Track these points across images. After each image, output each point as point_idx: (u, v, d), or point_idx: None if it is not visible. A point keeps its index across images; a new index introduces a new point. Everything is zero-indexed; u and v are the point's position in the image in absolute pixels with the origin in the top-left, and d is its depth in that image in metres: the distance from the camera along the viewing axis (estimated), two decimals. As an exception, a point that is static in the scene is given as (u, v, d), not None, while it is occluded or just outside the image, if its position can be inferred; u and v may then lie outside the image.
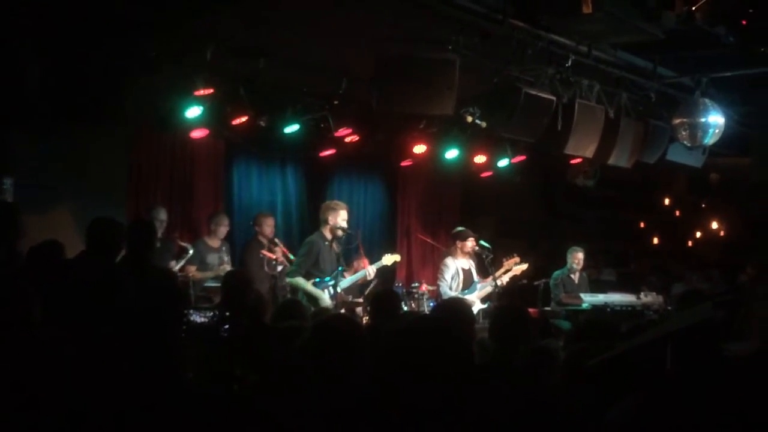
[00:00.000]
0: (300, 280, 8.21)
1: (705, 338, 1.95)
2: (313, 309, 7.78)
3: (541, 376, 3.63)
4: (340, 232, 8.44)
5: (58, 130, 7.85)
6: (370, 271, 8.80)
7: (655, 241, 14.95)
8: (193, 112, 8.01)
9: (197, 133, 8.76)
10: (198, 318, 3.86)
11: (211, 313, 4.02)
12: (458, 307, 4.97)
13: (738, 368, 1.81)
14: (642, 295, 10.34)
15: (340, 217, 8.42)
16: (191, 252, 8.87)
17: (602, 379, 2.12)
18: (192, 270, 8.89)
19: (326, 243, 8.42)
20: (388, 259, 9.07)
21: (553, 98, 7.88)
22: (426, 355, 2.71)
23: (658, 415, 1.70)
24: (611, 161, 8.96)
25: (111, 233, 5.33)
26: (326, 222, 8.43)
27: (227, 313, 4.09)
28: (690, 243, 15.14)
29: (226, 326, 4.01)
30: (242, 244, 9.74)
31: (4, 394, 3.12)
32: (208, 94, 7.92)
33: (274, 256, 9.10)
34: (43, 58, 6.93)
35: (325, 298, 8.18)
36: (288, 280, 8.37)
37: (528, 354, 4.03)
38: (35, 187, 7.90)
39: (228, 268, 8.89)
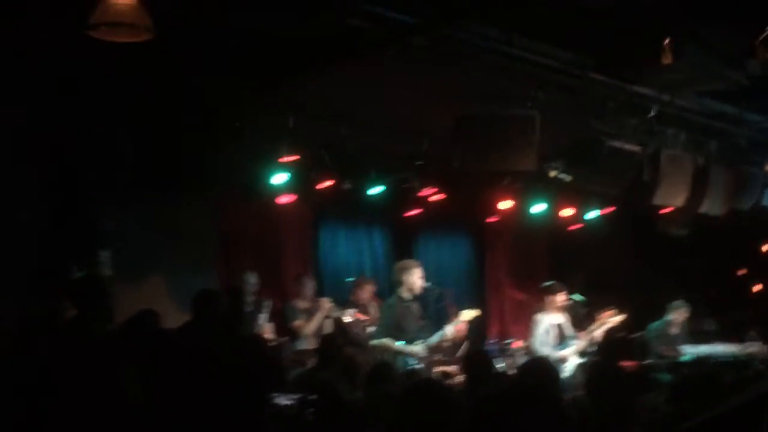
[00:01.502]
0: (385, 341, 8.14)
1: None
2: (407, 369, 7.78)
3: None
4: (418, 291, 8.31)
5: (150, 200, 8.10)
6: (449, 329, 8.56)
7: (757, 288, 14.42)
8: (279, 178, 8.19)
9: (284, 199, 8.93)
10: (283, 401, 3.90)
11: (297, 397, 4.04)
12: (543, 366, 4.89)
13: None
14: (746, 344, 9.95)
15: (415, 276, 8.32)
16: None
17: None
18: (300, 323, 8.97)
19: (405, 304, 8.33)
20: (467, 315, 8.87)
21: (638, 149, 7.78)
22: (520, 419, 2.68)
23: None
24: (703, 210, 8.75)
25: (213, 304, 5.47)
26: (401, 283, 8.36)
27: (312, 396, 4.11)
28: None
29: (311, 410, 4.02)
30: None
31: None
32: (293, 160, 8.09)
33: (366, 319, 9.12)
34: (133, 129, 7.21)
35: (417, 349, 8.04)
36: (372, 342, 8.30)
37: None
38: (130, 257, 8.13)
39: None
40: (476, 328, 9.34)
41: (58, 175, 7.35)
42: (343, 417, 3.71)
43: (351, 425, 3.57)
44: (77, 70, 6.30)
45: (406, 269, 8.40)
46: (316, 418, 3.88)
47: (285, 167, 8.13)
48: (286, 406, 3.91)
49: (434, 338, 8.44)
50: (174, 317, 6.04)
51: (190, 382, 3.65)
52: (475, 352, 7.38)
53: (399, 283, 8.38)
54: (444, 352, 8.90)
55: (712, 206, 8.78)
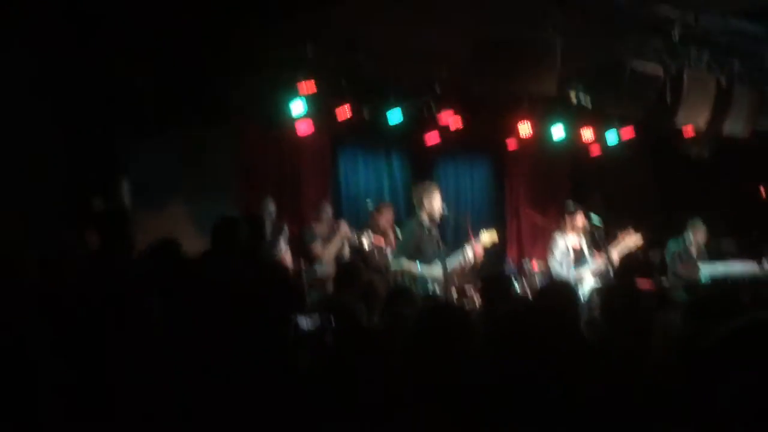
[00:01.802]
0: (404, 262, 8.12)
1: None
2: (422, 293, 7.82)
3: (644, 355, 3.56)
4: (437, 215, 8.21)
5: (169, 131, 8.13)
6: (468, 249, 8.53)
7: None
8: (298, 107, 8.17)
9: (302, 127, 8.93)
10: (305, 323, 3.94)
11: (317, 319, 4.08)
12: (562, 290, 4.92)
13: None
14: (764, 262, 9.93)
15: (435, 199, 8.17)
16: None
17: (717, 358, 2.07)
18: (318, 248, 9.07)
19: (424, 227, 8.29)
20: (485, 236, 8.79)
21: (661, 71, 7.67)
22: (538, 340, 2.72)
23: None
24: (726, 131, 8.67)
25: (233, 232, 5.52)
26: (422, 205, 8.22)
27: (332, 319, 4.15)
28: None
29: (330, 333, 4.07)
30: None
31: (131, 390, 3.29)
32: (311, 89, 8.06)
33: (384, 244, 9.20)
34: (153, 61, 7.20)
35: (436, 271, 8.04)
36: (394, 267, 8.30)
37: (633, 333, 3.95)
38: (149, 186, 8.20)
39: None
40: (495, 250, 9.36)
41: (79, 107, 7.37)
42: (361, 340, 3.77)
43: (369, 348, 3.63)
44: (96, 5, 6.27)
45: (426, 190, 8.26)
46: (336, 341, 3.94)
47: (303, 96, 8.10)
48: (307, 330, 3.96)
49: (453, 261, 8.41)
50: (195, 245, 6.09)
51: (212, 311, 3.71)
52: (494, 273, 7.40)
53: (419, 206, 8.28)
54: (462, 274, 8.95)
55: (734, 127, 8.69)
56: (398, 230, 9.24)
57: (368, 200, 9.68)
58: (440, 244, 8.23)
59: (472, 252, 8.44)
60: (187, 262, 4.72)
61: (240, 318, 3.73)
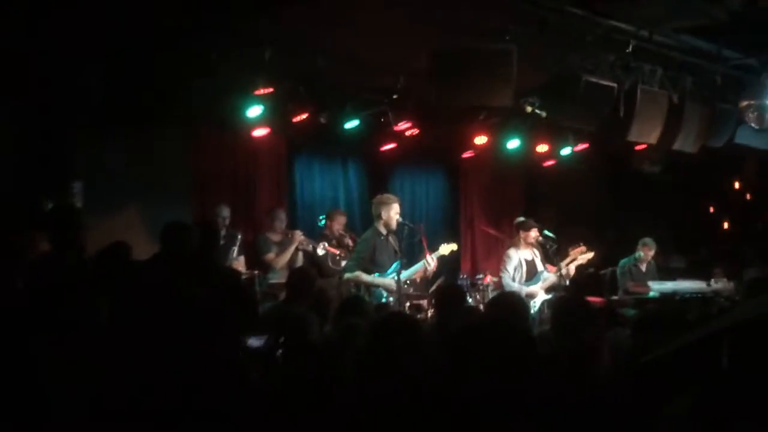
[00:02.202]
0: (359, 274, 8.16)
1: (766, 332, 1.90)
2: (375, 303, 7.83)
3: (593, 368, 3.58)
4: (395, 226, 8.34)
5: (123, 132, 8.03)
6: (429, 260, 8.63)
7: (726, 226, 14.60)
8: (254, 111, 8.13)
9: (259, 132, 8.89)
10: (254, 342, 3.93)
11: (266, 337, 4.07)
12: (512, 301, 4.94)
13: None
14: (712, 281, 10.11)
15: (393, 211, 8.27)
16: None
17: (659, 374, 2.09)
18: (271, 256, 9.04)
19: (381, 238, 8.33)
20: (445, 249, 8.92)
21: (614, 85, 7.77)
22: (491, 352, 2.71)
23: (712, 418, 1.67)
24: (676, 146, 8.79)
25: (182, 236, 5.47)
26: (379, 217, 8.31)
27: (281, 338, 4.13)
28: (761, 227, 14.75)
29: (279, 351, 4.06)
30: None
31: (73, 393, 3.21)
32: (269, 93, 8.02)
33: (337, 252, 9.19)
34: (105, 61, 7.10)
35: (389, 282, 8.08)
36: (346, 275, 8.34)
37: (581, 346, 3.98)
38: (103, 189, 8.10)
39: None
40: (450, 262, 9.41)
41: (31, 109, 7.25)
42: (311, 356, 3.74)
43: (319, 364, 3.60)
44: (46, 3, 6.17)
45: (384, 203, 8.36)
46: (285, 358, 3.92)
47: (260, 100, 8.06)
48: (256, 347, 3.95)
49: (409, 272, 8.47)
50: (147, 249, 6.03)
51: (159, 315, 3.65)
52: (448, 285, 7.41)
53: (377, 217, 8.36)
54: (416, 286, 8.98)
55: (685, 143, 8.83)
56: (356, 238, 9.26)
57: (320, 222, 9.68)
58: (398, 254, 8.27)
59: (433, 263, 8.52)
60: (135, 266, 4.65)
61: (188, 325, 3.68)
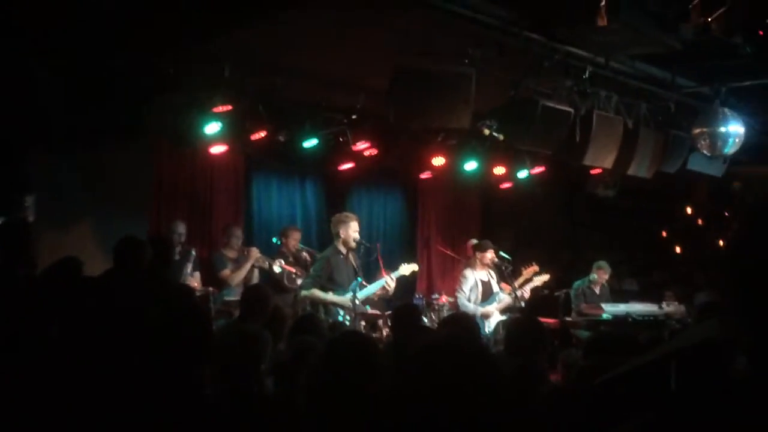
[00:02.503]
0: (315, 292, 8.17)
1: (712, 356, 1.94)
2: (330, 321, 7.82)
3: (534, 391, 3.61)
4: (353, 244, 8.39)
5: (79, 147, 7.94)
6: (389, 281, 8.69)
7: (678, 250, 14.84)
8: (212, 128, 8.08)
9: (217, 149, 8.85)
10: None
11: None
12: (464, 321, 4.97)
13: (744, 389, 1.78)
14: (664, 304, 10.25)
15: (352, 229, 8.36)
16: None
17: (610, 396, 2.11)
18: (227, 273, 8.98)
19: (340, 256, 8.37)
20: (406, 269, 9.02)
21: (571, 110, 7.87)
22: (459, 375, 2.69)
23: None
24: (631, 171, 8.92)
25: (135, 252, 5.42)
26: (338, 235, 8.39)
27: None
28: (713, 252, 14.99)
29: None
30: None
31: (20, 409, 3.16)
32: (227, 110, 7.99)
33: (293, 269, 9.17)
34: (63, 75, 7.02)
35: (345, 300, 8.09)
36: (302, 293, 8.34)
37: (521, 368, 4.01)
38: (57, 204, 7.99)
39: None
40: (406, 282, 9.43)
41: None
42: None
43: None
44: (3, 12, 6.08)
45: (343, 222, 8.42)
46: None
47: (219, 117, 8.02)
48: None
49: (367, 291, 8.50)
50: (101, 266, 5.95)
51: (109, 330, 3.61)
52: (404, 305, 7.41)
53: (336, 236, 8.41)
54: (374, 304, 8.99)
55: (639, 168, 8.96)
56: (314, 253, 9.26)
57: (274, 239, 9.65)
58: (357, 273, 8.31)
59: (393, 282, 8.58)
60: (87, 281, 4.59)
61: (140, 341, 3.63)
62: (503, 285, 9.85)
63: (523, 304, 9.66)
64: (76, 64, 6.93)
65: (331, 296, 8.16)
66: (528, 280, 10.00)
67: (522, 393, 3.51)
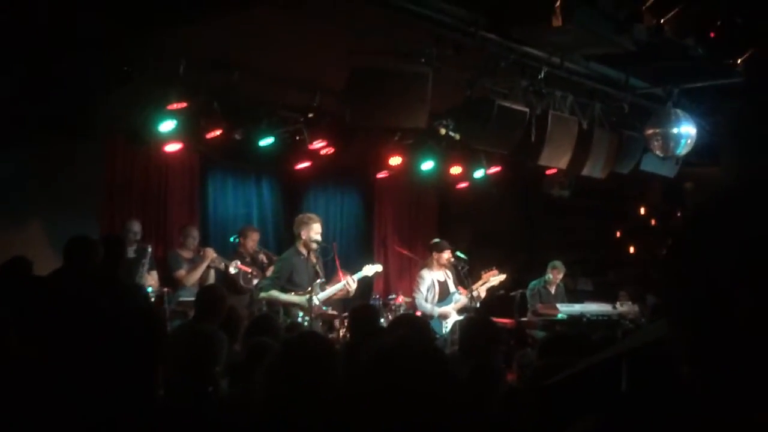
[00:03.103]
0: (273, 293, 8.15)
1: (662, 356, 1.95)
2: (289, 322, 7.78)
3: (499, 389, 3.63)
4: (314, 245, 8.37)
5: (28, 144, 7.79)
6: (350, 282, 8.70)
7: (632, 250, 15.02)
8: (167, 125, 8.00)
9: (171, 147, 8.75)
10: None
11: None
12: (413, 321, 4.97)
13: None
14: (618, 304, 10.36)
15: (313, 231, 8.34)
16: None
17: (561, 397, 2.11)
18: (182, 273, 8.89)
19: (301, 257, 8.36)
20: (370, 270, 9.05)
21: (527, 110, 7.92)
22: (414, 377, 2.68)
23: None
24: (585, 172, 9.00)
25: (86, 251, 5.34)
26: (299, 236, 8.39)
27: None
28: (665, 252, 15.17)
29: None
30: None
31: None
32: (182, 108, 7.91)
33: (249, 270, 9.11)
34: (12, 70, 6.89)
35: (304, 300, 8.08)
36: (261, 294, 8.30)
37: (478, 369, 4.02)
38: (6, 202, 7.84)
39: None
40: (363, 282, 9.42)
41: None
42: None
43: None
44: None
45: (304, 223, 8.41)
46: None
47: (173, 114, 7.94)
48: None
49: (328, 292, 8.51)
50: (52, 265, 5.85)
51: (58, 330, 3.54)
52: (362, 306, 7.40)
53: (297, 237, 8.40)
54: (332, 305, 8.97)
55: (594, 168, 9.04)
56: (271, 255, 9.22)
57: (231, 238, 9.59)
58: (319, 274, 8.31)
59: (354, 284, 8.59)
60: (36, 281, 4.50)
61: (90, 341, 3.57)
62: (459, 288, 9.88)
63: (478, 305, 9.70)
64: (25, 59, 6.80)
65: (288, 296, 8.13)
66: (485, 282, 10.05)
67: (477, 394, 3.51)
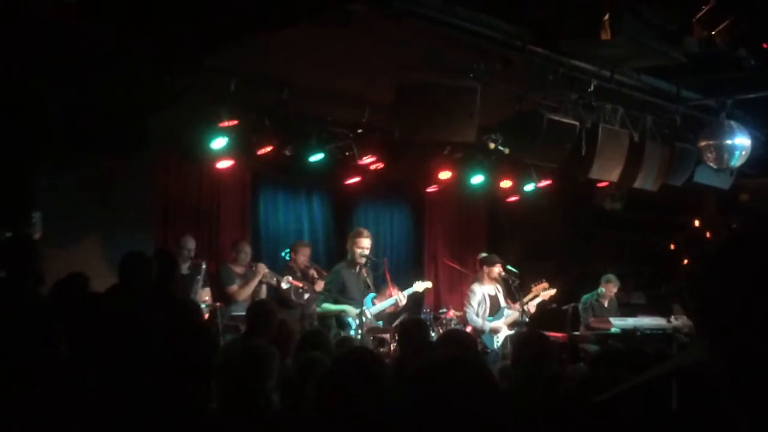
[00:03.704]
0: (326, 305, 8.27)
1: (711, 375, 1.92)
2: (342, 335, 7.84)
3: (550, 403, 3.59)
4: (363, 260, 8.46)
5: (84, 162, 7.97)
6: (401, 297, 8.80)
7: (686, 263, 14.79)
8: (219, 143, 8.12)
9: (223, 164, 8.88)
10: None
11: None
12: (462, 337, 4.96)
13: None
14: (672, 318, 10.21)
15: (358, 245, 8.46)
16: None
17: (613, 413, 2.09)
18: (234, 289, 8.99)
19: (352, 271, 8.46)
20: (420, 286, 9.12)
21: (576, 123, 7.86)
22: (459, 393, 2.68)
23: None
24: (637, 185, 8.90)
25: (141, 267, 5.43)
26: (350, 250, 8.52)
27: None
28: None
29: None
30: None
31: (31, 425, 3.16)
32: (233, 125, 8.02)
33: (300, 285, 9.17)
34: (67, 90, 7.05)
35: (353, 308, 8.18)
36: (317, 310, 8.45)
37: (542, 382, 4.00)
38: (63, 219, 8.02)
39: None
40: (414, 296, 9.44)
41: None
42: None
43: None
44: (8, 28, 6.12)
45: (353, 237, 8.56)
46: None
47: (225, 131, 8.05)
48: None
49: (378, 307, 8.59)
50: (108, 281, 5.96)
51: (116, 346, 3.62)
52: (412, 320, 7.41)
53: (349, 250, 8.52)
54: (383, 319, 9.01)
55: (645, 181, 8.93)
56: (320, 270, 9.31)
57: (283, 253, 9.68)
58: (369, 287, 8.39)
59: (404, 299, 8.67)
60: (93, 297, 4.60)
61: (143, 352, 3.64)
62: (509, 302, 9.84)
63: (527, 319, 9.64)
64: (79, 78, 6.95)
65: (339, 306, 8.26)
66: (536, 296, 9.98)
67: (524, 408, 3.50)
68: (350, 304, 8.30)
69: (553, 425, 3.15)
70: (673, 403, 1.86)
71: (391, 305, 8.80)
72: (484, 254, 10.25)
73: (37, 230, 7.56)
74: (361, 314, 8.13)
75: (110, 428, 3.29)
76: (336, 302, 8.31)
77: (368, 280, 8.52)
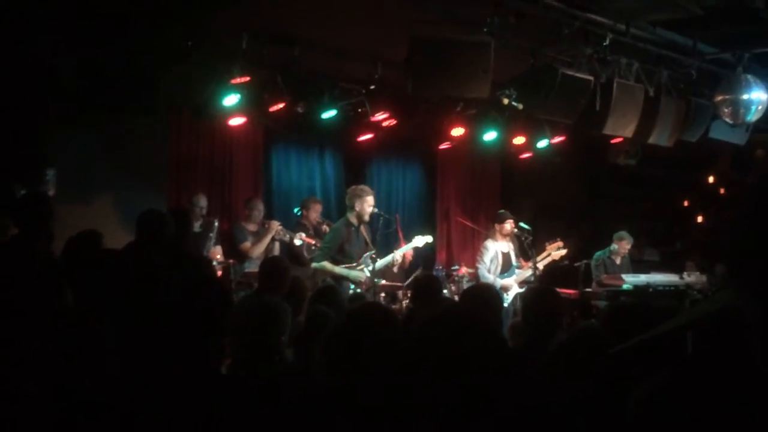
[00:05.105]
0: (326, 264, 8.19)
1: (731, 323, 1.92)
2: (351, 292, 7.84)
3: (565, 358, 3.59)
4: (367, 218, 8.39)
5: (96, 120, 7.98)
6: (398, 254, 8.72)
7: (700, 219, 14.73)
8: (231, 100, 8.08)
9: (235, 121, 8.86)
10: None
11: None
12: (485, 293, 4.94)
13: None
14: (685, 275, 10.18)
15: (367, 203, 8.35)
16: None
17: (626, 365, 2.09)
18: (247, 246, 9.03)
19: (353, 228, 8.38)
20: (420, 241, 9.01)
21: (591, 78, 7.79)
22: (458, 345, 2.70)
23: (680, 399, 1.68)
24: (652, 140, 8.84)
25: (159, 224, 5.45)
26: (352, 208, 8.38)
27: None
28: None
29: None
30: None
31: (33, 377, 3.18)
32: (245, 82, 7.98)
33: (313, 242, 9.19)
34: (77, 49, 7.02)
35: (355, 275, 8.15)
36: (313, 265, 8.36)
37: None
38: (76, 177, 8.05)
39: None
40: (425, 253, 9.44)
41: (3, 95, 7.16)
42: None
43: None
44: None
45: (358, 195, 8.40)
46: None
47: (237, 88, 8.02)
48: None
49: (382, 262, 8.51)
50: (121, 239, 5.99)
51: (133, 302, 3.63)
52: (424, 275, 7.41)
53: (350, 208, 8.41)
54: (393, 276, 9.01)
55: (660, 137, 8.88)
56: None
57: (295, 210, 9.68)
58: (369, 245, 8.32)
59: (401, 255, 8.59)
60: (107, 254, 4.61)
61: (161, 308, 3.66)
62: (522, 261, 9.83)
63: (538, 277, 9.64)
64: (85, 38, 6.92)
65: (339, 269, 8.18)
66: (549, 255, 9.97)
67: (532, 360, 3.50)
68: (348, 262, 8.24)
69: (566, 380, 3.16)
70: (688, 349, 1.87)
71: (389, 262, 8.70)
72: (498, 211, 10.24)
73: (51, 187, 7.59)
74: (371, 273, 8.10)
75: (126, 382, 3.31)
76: (334, 261, 8.24)
77: (367, 238, 8.47)
